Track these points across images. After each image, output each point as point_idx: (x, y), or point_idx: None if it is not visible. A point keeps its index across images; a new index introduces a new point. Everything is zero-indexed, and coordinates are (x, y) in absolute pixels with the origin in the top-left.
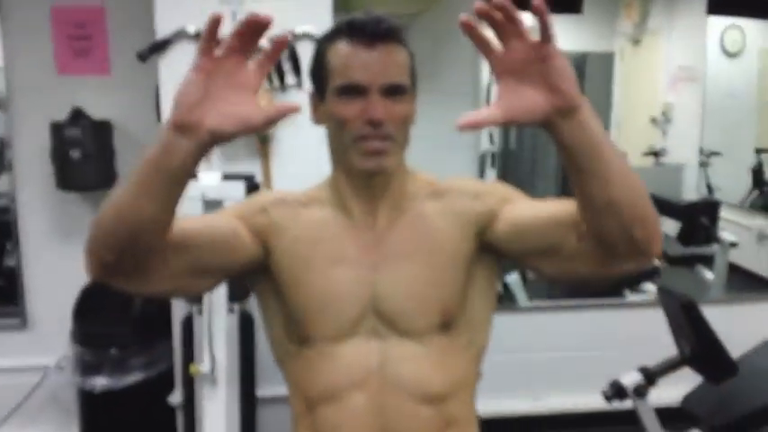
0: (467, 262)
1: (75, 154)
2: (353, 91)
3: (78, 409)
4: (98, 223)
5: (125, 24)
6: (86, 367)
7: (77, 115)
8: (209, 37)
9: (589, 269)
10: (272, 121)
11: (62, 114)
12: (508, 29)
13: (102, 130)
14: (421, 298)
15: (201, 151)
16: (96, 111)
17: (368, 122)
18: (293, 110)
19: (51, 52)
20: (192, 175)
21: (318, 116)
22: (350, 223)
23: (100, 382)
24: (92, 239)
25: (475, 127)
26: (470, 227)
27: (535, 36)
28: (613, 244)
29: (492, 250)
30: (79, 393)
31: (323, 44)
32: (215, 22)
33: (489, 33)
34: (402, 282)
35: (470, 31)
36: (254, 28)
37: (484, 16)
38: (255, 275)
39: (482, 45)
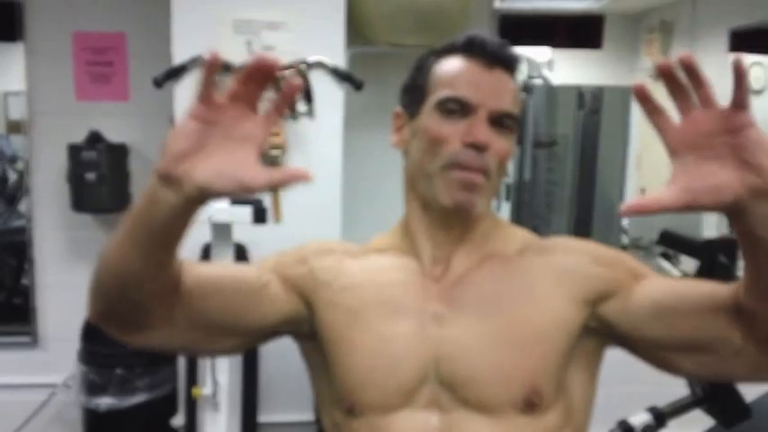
0: (570, 329)
1: (90, 176)
2: (459, 108)
3: (83, 427)
4: (95, 267)
5: (144, 51)
6: (92, 386)
7: (94, 138)
8: (207, 81)
9: (748, 372)
10: (275, 185)
11: (80, 138)
12: (692, 94)
13: (118, 154)
14: (500, 364)
15: (190, 207)
16: (113, 135)
17: (469, 145)
18: (303, 177)
19: (72, 77)
20: (183, 230)
21: (402, 137)
22: (416, 268)
23: (105, 402)
24: (91, 281)
25: (645, 212)
26: (582, 291)
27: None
28: None
29: (602, 331)
30: (84, 412)
31: (430, 57)
32: (212, 65)
33: (662, 99)
34: (476, 341)
35: (644, 99)
36: (261, 72)
37: (665, 76)
38: (299, 335)
39: (655, 115)
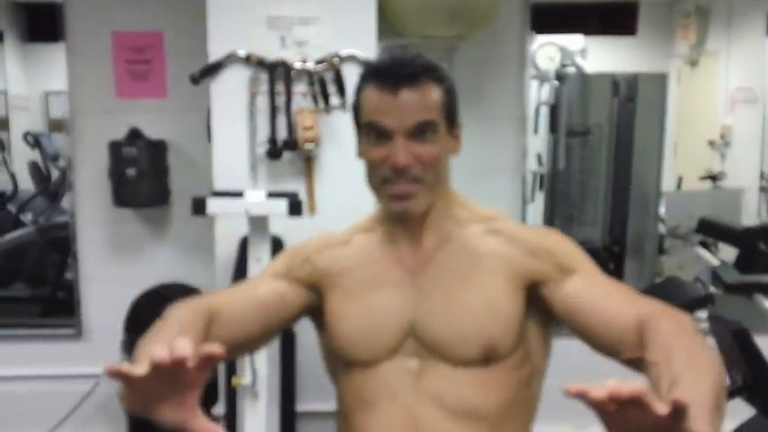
0: (517, 301)
1: (131, 172)
2: (379, 134)
3: (126, 416)
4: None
5: (181, 48)
6: None
7: (134, 135)
8: (124, 383)
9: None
10: None
11: (120, 135)
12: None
13: (157, 150)
14: (461, 329)
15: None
16: (152, 131)
17: (392, 168)
18: None
19: (111, 76)
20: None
21: (358, 151)
22: (394, 247)
23: None
24: None
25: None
26: (517, 277)
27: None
28: None
29: (541, 305)
30: None
31: (359, 84)
32: (113, 375)
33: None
34: (444, 309)
35: (581, 396)
36: (168, 366)
37: (601, 409)
38: (312, 315)
39: (595, 405)
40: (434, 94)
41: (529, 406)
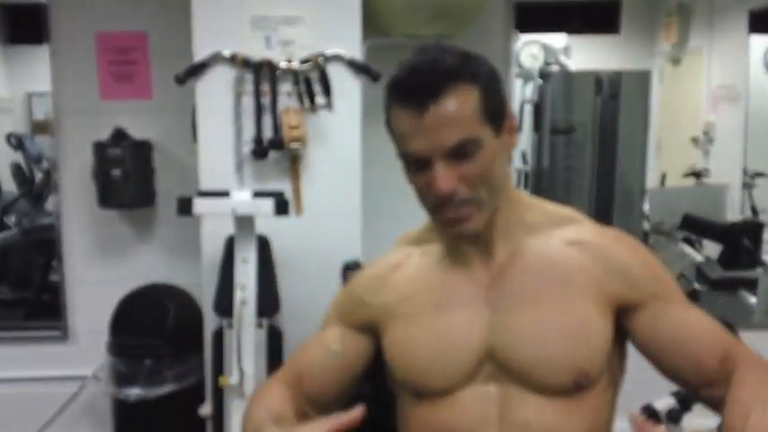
0: (607, 320)
1: (116, 173)
2: (417, 162)
3: (113, 417)
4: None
5: (165, 49)
6: (121, 378)
7: (119, 135)
8: None
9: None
10: None
11: (105, 136)
12: None
13: (143, 150)
14: (552, 352)
15: None
16: (137, 132)
17: (436, 196)
18: None
19: (96, 77)
20: None
21: (407, 177)
22: (460, 262)
23: (134, 392)
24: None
25: None
26: (606, 301)
27: None
28: None
29: (621, 326)
30: (114, 403)
31: (387, 99)
32: None
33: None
34: (530, 331)
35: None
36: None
37: None
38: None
39: None
40: (468, 100)
41: (611, 424)
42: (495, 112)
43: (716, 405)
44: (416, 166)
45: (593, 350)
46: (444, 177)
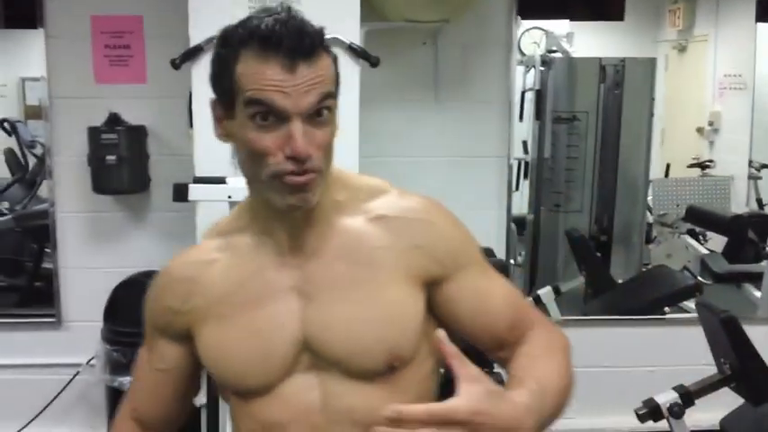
0: (419, 302)
1: (110, 158)
2: (267, 115)
3: (107, 405)
4: None
5: (161, 33)
6: (115, 365)
7: (113, 120)
8: None
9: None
10: None
11: (99, 121)
12: None
13: (137, 135)
14: (363, 340)
15: None
16: (132, 117)
17: (291, 158)
18: None
19: (90, 61)
20: None
21: (224, 130)
22: (272, 249)
23: (128, 380)
24: None
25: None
26: (416, 279)
27: None
28: None
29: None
30: (108, 390)
31: (226, 50)
32: None
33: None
34: (340, 321)
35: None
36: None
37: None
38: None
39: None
40: (329, 67)
41: (437, 388)
42: (338, 86)
43: (506, 364)
44: (262, 120)
45: (406, 333)
46: (304, 138)
